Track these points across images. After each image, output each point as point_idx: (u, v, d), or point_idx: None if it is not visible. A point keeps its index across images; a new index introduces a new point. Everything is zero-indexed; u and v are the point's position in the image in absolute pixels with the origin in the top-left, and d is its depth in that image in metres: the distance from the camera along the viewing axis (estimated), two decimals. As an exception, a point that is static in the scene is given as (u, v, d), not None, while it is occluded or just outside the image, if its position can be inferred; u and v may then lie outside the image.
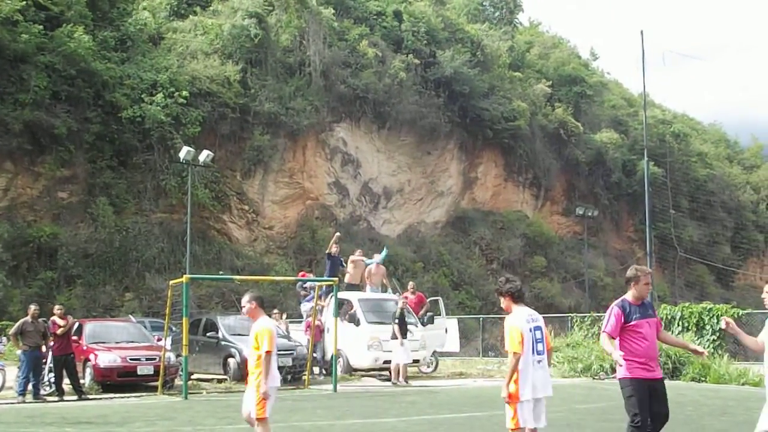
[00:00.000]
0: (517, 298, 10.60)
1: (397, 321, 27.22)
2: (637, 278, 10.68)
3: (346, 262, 31.13)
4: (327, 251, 31.31)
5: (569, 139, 69.12)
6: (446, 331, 31.62)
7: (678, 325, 30.25)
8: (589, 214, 63.11)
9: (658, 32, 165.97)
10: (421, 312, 30.26)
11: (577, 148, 69.55)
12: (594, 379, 29.05)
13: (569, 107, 70.95)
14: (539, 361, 10.18)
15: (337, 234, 32.48)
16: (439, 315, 31.26)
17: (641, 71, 41.87)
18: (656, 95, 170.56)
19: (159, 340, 26.33)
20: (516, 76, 69.48)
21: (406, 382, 26.63)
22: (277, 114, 51.17)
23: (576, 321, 35.10)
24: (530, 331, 10.24)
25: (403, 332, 26.84)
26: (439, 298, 33.82)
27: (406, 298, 30.56)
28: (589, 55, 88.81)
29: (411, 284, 33.20)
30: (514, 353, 9.92)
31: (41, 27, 43.46)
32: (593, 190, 71.00)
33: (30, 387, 22.15)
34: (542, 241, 65.69)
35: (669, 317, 30.38)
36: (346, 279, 30.63)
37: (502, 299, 10.79)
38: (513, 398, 9.92)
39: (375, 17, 62.26)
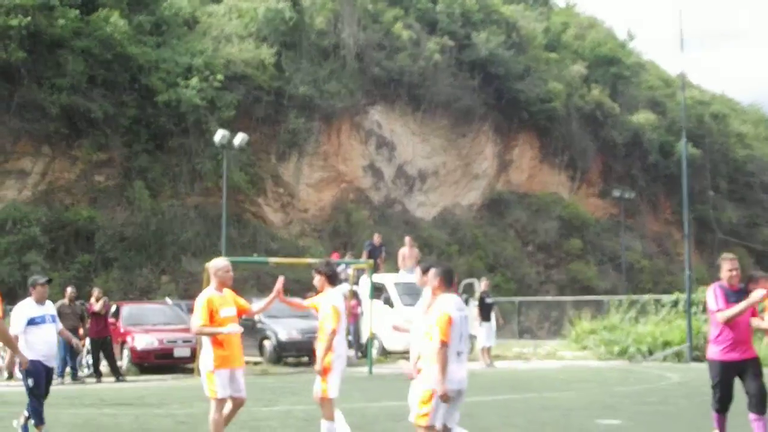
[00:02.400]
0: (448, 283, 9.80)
1: (477, 303, 27.43)
2: (719, 266, 11.00)
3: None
4: (367, 243, 31.53)
5: (606, 121, 68.59)
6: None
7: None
8: (626, 196, 62.64)
9: (696, 12, 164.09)
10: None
11: (613, 130, 68.99)
12: (631, 361, 28.97)
13: (606, 88, 70.33)
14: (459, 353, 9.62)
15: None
16: (474, 298, 31.19)
17: (679, 51, 42.08)
18: (694, 75, 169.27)
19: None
20: (552, 57, 69.00)
21: (491, 364, 26.87)
22: (311, 97, 51.14)
23: (613, 304, 34.92)
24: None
25: (486, 315, 27.07)
26: (474, 280, 33.74)
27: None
28: (626, 35, 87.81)
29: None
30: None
31: (77, 12, 43.58)
32: (630, 171, 70.41)
33: (68, 369, 22.38)
34: (578, 223, 65.34)
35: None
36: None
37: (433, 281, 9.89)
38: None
39: (409, -1, 62.12)
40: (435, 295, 9.68)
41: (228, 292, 11.34)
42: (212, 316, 10.93)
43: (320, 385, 11.22)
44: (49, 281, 12.23)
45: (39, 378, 11.70)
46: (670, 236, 72.39)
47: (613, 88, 71.69)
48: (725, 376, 11.03)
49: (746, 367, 10.99)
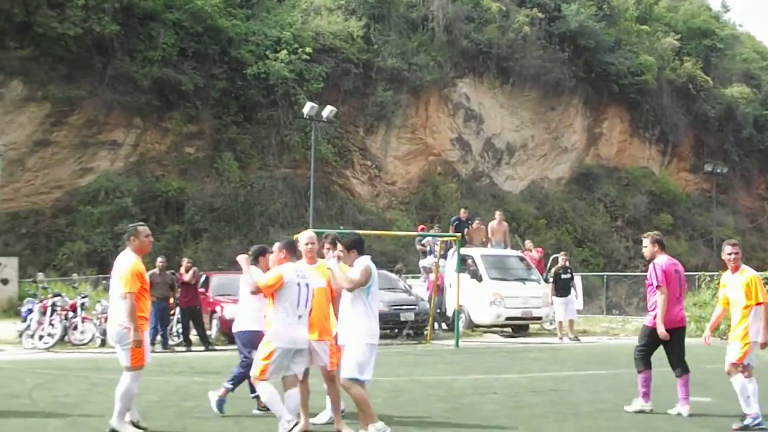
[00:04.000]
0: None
1: (552, 278, 27.33)
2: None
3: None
4: (454, 218, 31.45)
5: (698, 94, 67.32)
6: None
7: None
8: (718, 170, 61.59)
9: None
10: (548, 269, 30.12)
11: (706, 103, 67.72)
12: (722, 339, 28.52)
13: (698, 61, 68.98)
14: (300, 316, 10.28)
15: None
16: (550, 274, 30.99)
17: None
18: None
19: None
20: (643, 29, 67.89)
21: (575, 338, 26.75)
22: (399, 69, 51.06)
23: (704, 280, 34.36)
24: (297, 285, 10.30)
25: (562, 289, 26.96)
26: (559, 255, 33.47)
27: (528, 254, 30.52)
28: (720, 7, 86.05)
29: (528, 242, 33.12)
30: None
31: (169, -15, 44.14)
32: (723, 146, 69.09)
33: (159, 337, 22.70)
34: (669, 198, 64.41)
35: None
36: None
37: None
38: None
39: (499, -30, 61.55)
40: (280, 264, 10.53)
41: (321, 263, 11.15)
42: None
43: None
44: None
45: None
46: (763, 212, 71.09)
47: (706, 61, 70.27)
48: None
49: None
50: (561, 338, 26.88)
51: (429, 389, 14.88)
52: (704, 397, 14.64)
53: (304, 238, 11.27)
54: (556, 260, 31.28)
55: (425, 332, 25.70)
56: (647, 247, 12.94)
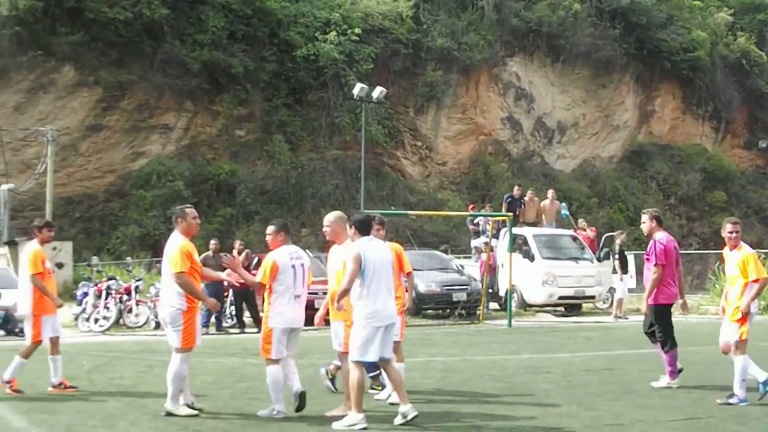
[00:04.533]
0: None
1: (617, 256, 27.28)
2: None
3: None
4: (507, 195, 31.30)
5: (752, 70, 66.42)
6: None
7: None
8: (773, 146, 60.90)
9: None
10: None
11: (760, 79, 66.79)
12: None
13: (752, 36, 67.99)
14: (297, 296, 10.66)
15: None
16: (614, 251, 30.74)
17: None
18: None
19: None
20: (695, 4, 67.06)
21: (623, 317, 26.63)
22: (449, 49, 50.89)
23: (759, 257, 34.00)
24: (292, 267, 10.65)
25: (624, 267, 26.95)
26: (615, 233, 33.24)
27: (580, 234, 30.36)
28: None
29: (582, 221, 32.92)
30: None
31: (217, -32, 44.28)
32: (777, 122, 68.34)
33: (213, 319, 22.86)
34: (722, 175, 63.72)
35: None
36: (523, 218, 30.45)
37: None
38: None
39: (549, -53, 61.06)
40: (274, 248, 10.92)
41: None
42: None
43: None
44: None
45: None
46: (819, 188, 70.14)
47: (760, 36, 69.26)
48: None
49: None
50: (621, 316, 26.78)
51: (482, 369, 14.85)
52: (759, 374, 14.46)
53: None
54: (611, 239, 31.07)
55: (478, 312, 25.65)
56: (645, 223, 13.23)
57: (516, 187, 32.08)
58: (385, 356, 10.09)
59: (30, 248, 12.83)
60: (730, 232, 12.28)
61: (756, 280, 11.70)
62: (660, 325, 13.28)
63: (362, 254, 10.01)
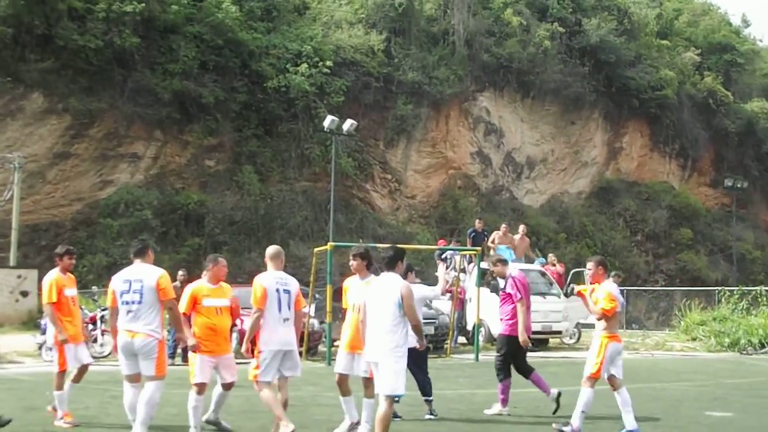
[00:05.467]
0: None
1: None
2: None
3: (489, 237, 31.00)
4: (470, 230, 31.43)
5: (718, 109, 67.18)
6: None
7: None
8: (738, 185, 61.30)
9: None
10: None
11: (726, 118, 67.56)
12: (741, 354, 28.39)
13: (719, 76, 68.86)
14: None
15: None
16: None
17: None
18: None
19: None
20: (664, 44, 67.80)
21: None
22: (420, 83, 51.13)
23: (724, 294, 34.22)
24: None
25: None
26: (584, 269, 33.37)
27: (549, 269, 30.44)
28: (741, 21, 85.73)
29: (552, 257, 33.03)
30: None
31: (190, -2, 44.36)
32: (743, 161, 68.85)
33: (179, 350, 22.72)
34: (689, 212, 64.27)
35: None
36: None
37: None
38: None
39: (520, -15, 61.56)
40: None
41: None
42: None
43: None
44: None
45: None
46: (784, 227, 70.76)
47: (727, 76, 70.17)
48: None
49: None
50: None
51: (449, 403, 14.85)
52: (724, 412, 14.56)
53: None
54: (578, 274, 31.25)
55: (445, 346, 25.63)
56: (590, 270, 12.95)
57: (477, 221, 32.20)
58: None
59: (48, 277, 12.74)
60: (588, 269, 12.74)
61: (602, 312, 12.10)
62: (505, 355, 14.41)
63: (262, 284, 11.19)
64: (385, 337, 10.22)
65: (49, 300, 12.35)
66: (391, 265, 10.85)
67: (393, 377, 10.13)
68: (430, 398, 13.23)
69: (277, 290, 11.16)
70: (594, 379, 12.12)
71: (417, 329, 10.48)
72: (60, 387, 12.37)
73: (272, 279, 11.27)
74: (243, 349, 11.93)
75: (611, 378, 12.36)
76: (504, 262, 14.93)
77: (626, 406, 12.17)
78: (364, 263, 12.06)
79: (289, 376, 11.34)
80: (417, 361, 12.53)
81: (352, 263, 12.10)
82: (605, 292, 12.18)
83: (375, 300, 10.45)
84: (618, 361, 12.46)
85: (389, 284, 10.56)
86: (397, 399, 10.68)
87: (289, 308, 11.24)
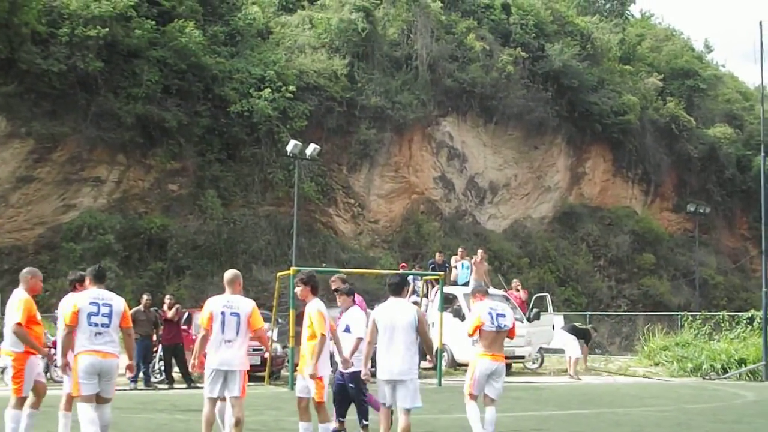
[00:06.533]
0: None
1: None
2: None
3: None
4: (430, 261, 31.61)
5: (681, 134, 67.71)
6: (553, 327, 31.34)
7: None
8: (701, 210, 61.70)
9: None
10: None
11: (689, 143, 68.09)
12: (704, 379, 28.56)
13: (681, 101, 69.41)
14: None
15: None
16: (546, 311, 30.99)
17: (759, 64, 40.65)
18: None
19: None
20: (626, 69, 68.36)
21: (576, 376, 27.22)
22: (383, 108, 51.23)
23: (686, 320, 34.46)
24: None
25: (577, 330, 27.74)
26: (546, 294, 33.53)
27: (512, 294, 30.55)
28: (703, 47, 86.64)
29: (515, 281, 33.16)
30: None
31: (153, 22, 44.20)
32: (705, 186, 69.40)
33: (141, 374, 22.62)
34: (651, 237, 64.63)
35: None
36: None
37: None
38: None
39: (483, 10, 61.71)
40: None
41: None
42: None
43: (315, 389, 11.91)
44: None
45: None
46: (746, 252, 71.24)
47: (689, 101, 70.78)
48: None
49: None
50: (573, 375, 27.36)
51: (413, 428, 14.80)
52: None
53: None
54: (542, 299, 31.41)
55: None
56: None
57: (438, 254, 32.34)
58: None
59: (66, 301, 12.60)
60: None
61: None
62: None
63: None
64: (405, 357, 11.52)
65: (66, 322, 12.08)
66: (398, 291, 12.13)
67: (414, 393, 11.67)
68: (367, 423, 13.29)
69: (223, 313, 11.71)
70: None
71: (429, 349, 13.20)
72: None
73: (219, 302, 11.90)
74: (190, 365, 13.29)
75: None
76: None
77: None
78: (308, 288, 12.30)
79: (233, 396, 11.64)
80: (360, 386, 12.84)
81: (296, 289, 12.51)
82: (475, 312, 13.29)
83: (390, 323, 11.55)
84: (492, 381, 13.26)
85: (404, 309, 11.79)
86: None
87: (237, 331, 11.70)
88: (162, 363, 24.01)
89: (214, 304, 11.92)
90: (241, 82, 46.58)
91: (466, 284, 29.66)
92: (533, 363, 30.23)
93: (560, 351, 31.75)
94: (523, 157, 60.60)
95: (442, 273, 27.52)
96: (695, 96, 72.03)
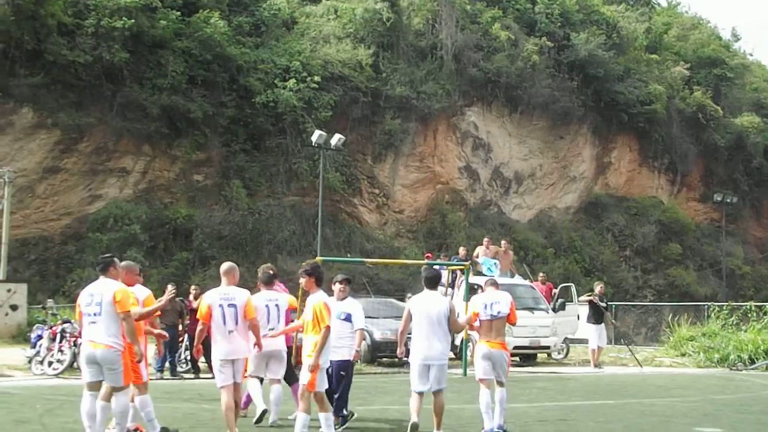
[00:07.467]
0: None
1: (589, 306, 27.80)
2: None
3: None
4: (454, 257, 31.52)
5: (708, 124, 67.24)
6: (578, 317, 31.20)
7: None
8: (728, 200, 61.33)
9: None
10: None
11: (716, 133, 67.63)
12: (731, 369, 28.39)
13: (708, 90, 68.93)
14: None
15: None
16: (571, 302, 30.86)
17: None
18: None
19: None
20: (653, 58, 67.94)
21: (599, 366, 27.20)
22: (408, 98, 51.17)
23: (713, 310, 34.21)
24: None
25: (597, 318, 27.42)
26: (571, 284, 33.39)
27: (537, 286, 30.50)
28: (731, 36, 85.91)
29: (542, 275, 33.06)
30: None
31: (179, 13, 44.36)
32: (732, 175, 68.93)
33: (167, 364, 22.68)
34: (678, 228, 64.29)
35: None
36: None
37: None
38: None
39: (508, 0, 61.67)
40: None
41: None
42: None
43: (307, 377, 11.79)
44: None
45: None
46: (773, 242, 70.86)
47: (716, 90, 70.27)
48: None
49: None
50: (596, 365, 27.33)
51: (437, 418, 14.80)
52: (714, 428, 14.56)
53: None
54: (567, 289, 31.29)
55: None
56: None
57: (461, 248, 32.21)
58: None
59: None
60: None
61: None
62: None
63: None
64: (441, 344, 12.77)
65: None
66: (433, 285, 13.06)
67: (444, 375, 12.95)
68: (347, 413, 13.70)
69: (221, 305, 12.28)
70: None
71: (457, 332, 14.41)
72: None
73: (216, 295, 12.44)
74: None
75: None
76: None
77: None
78: (312, 279, 12.32)
79: (238, 382, 12.37)
80: (350, 373, 13.70)
81: (301, 280, 12.64)
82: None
83: (426, 314, 12.64)
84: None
85: (438, 301, 12.94)
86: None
87: (236, 321, 12.29)
88: (188, 353, 24.05)
89: (211, 298, 12.43)
90: (266, 73, 46.62)
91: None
92: (558, 353, 30.12)
93: (585, 341, 31.66)
94: (548, 147, 60.41)
95: (468, 262, 27.45)
96: (722, 85, 71.47)
